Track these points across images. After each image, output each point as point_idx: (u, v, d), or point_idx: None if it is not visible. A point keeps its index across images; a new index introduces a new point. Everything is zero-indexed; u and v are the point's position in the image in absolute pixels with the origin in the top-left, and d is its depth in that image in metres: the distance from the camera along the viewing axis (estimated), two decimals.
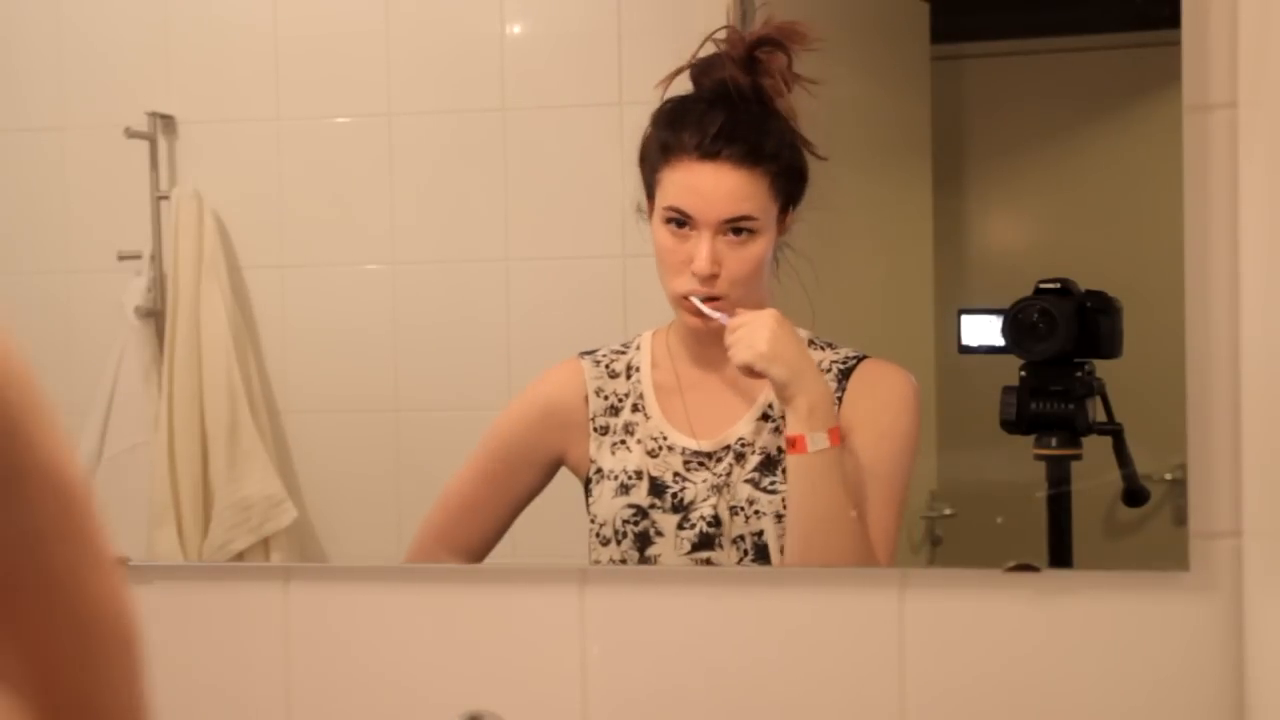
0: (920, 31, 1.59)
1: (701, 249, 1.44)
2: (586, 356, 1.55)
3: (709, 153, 1.43)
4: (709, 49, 1.48)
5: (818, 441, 1.42)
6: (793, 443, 1.43)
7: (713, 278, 1.44)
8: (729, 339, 1.43)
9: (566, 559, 1.54)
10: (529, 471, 1.55)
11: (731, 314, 1.44)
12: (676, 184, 1.45)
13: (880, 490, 1.46)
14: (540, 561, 1.57)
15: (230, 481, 1.68)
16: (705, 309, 1.45)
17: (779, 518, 1.46)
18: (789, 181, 1.47)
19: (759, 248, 1.45)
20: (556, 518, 1.57)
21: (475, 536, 1.57)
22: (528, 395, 1.58)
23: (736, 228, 1.44)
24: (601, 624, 1.50)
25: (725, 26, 1.47)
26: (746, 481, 1.47)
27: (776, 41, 1.45)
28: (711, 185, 1.44)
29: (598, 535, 1.51)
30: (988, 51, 1.63)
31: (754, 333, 1.42)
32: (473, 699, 1.48)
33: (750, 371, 1.43)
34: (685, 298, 1.46)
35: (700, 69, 1.47)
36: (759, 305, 1.47)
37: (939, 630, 1.44)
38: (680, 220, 1.45)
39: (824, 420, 1.43)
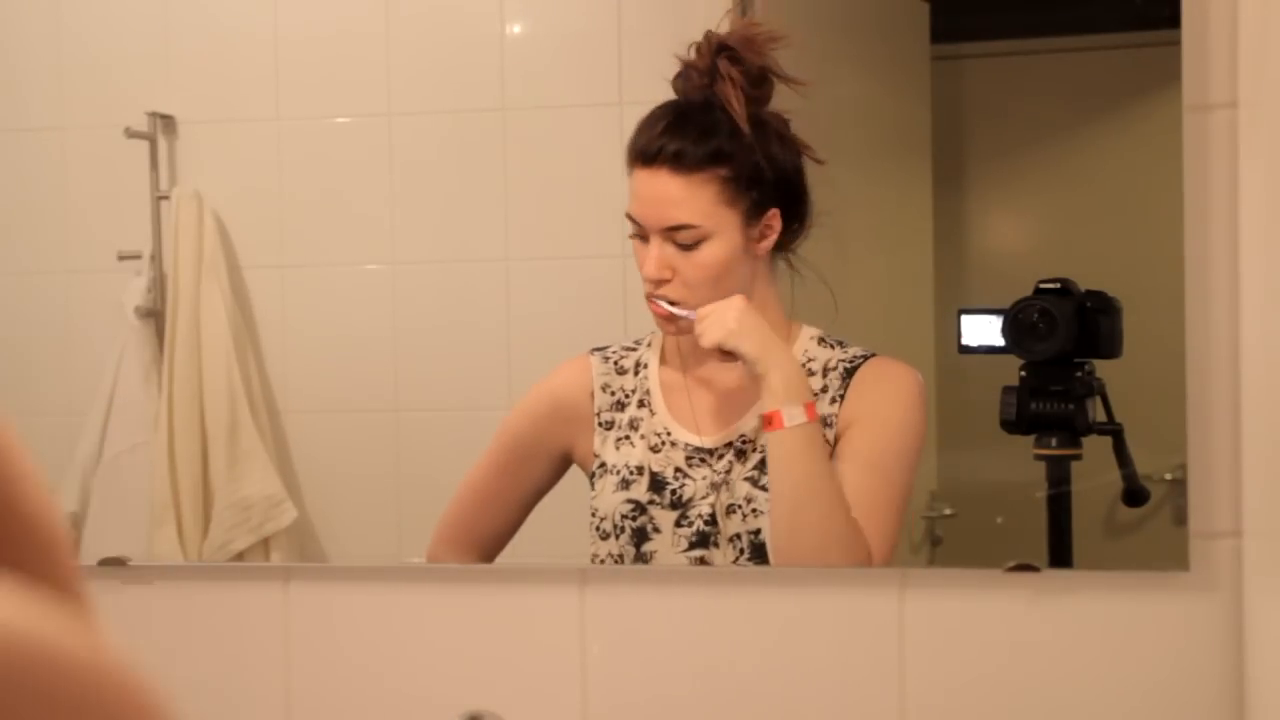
0: (920, 31, 1.59)
1: (650, 253, 1.46)
2: (597, 353, 1.56)
3: (647, 159, 1.45)
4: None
5: (794, 416, 1.42)
6: (769, 419, 1.43)
7: (663, 282, 1.46)
8: (698, 327, 1.45)
9: (568, 559, 1.54)
10: (538, 465, 1.56)
11: (690, 314, 1.46)
12: (631, 191, 1.48)
13: (878, 482, 1.46)
14: (540, 561, 1.57)
15: (230, 481, 1.68)
16: (675, 310, 1.46)
17: None
18: (756, 185, 1.46)
19: (712, 253, 1.45)
20: (558, 516, 1.57)
21: (489, 530, 1.58)
22: (537, 390, 1.59)
23: (681, 236, 1.45)
24: (601, 624, 1.50)
25: (708, 32, 1.47)
26: (746, 479, 1.48)
27: (732, 48, 1.45)
28: (648, 192, 1.46)
29: (598, 529, 1.52)
30: (988, 51, 1.64)
31: (722, 314, 1.43)
32: (473, 699, 1.48)
33: (722, 351, 1.44)
34: (651, 300, 1.47)
35: (675, 77, 1.48)
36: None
37: (939, 630, 1.44)
38: (634, 227, 1.48)
39: (799, 395, 1.43)
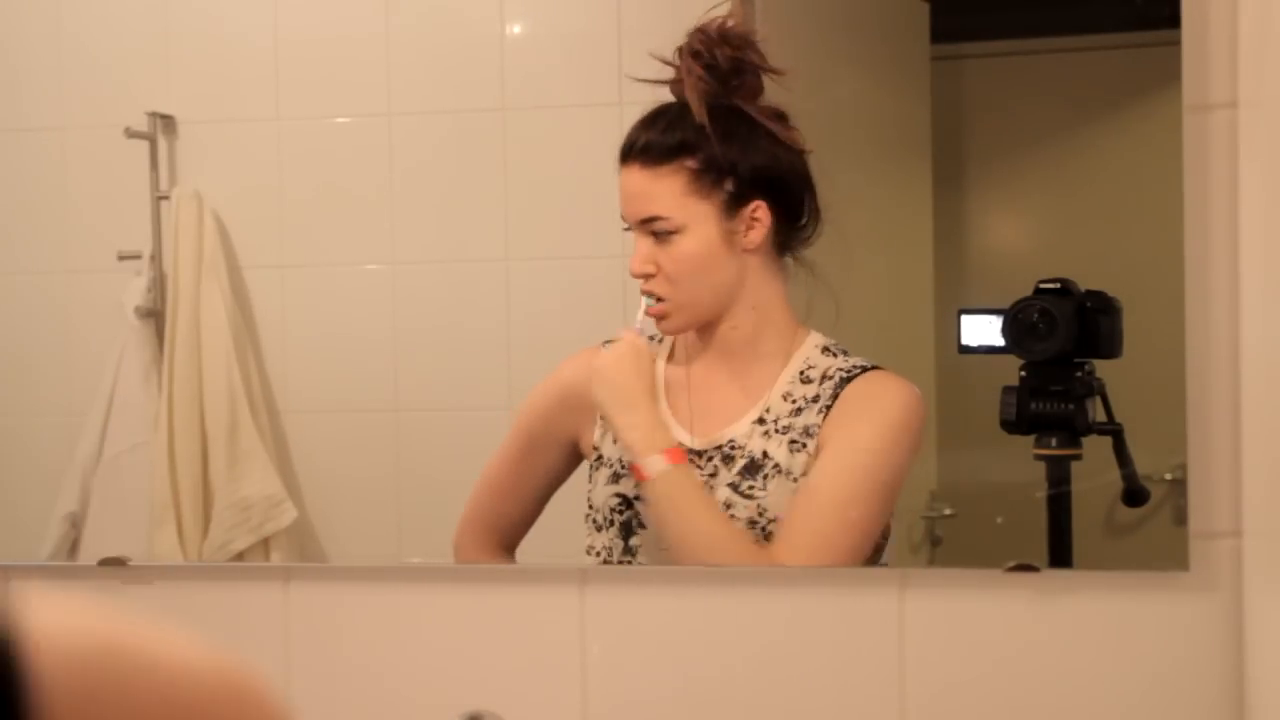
0: (920, 31, 1.59)
1: (637, 249, 1.48)
2: (608, 345, 1.56)
3: (624, 157, 1.49)
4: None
5: (655, 464, 1.45)
6: (634, 471, 1.47)
7: (648, 277, 1.48)
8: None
9: (568, 559, 1.54)
10: (550, 454, 1.57)
11: (638, 325, 1.49)
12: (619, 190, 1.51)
13: (827, 499, 1.46)
14: (540, 561, 1.57)
15: (230, 481, 1.68)
16: (641, 313, 1.49)
17: (752, 523, 1.46)
18: (728, 177, 1.46)
19: (688, 246, 1.47)
20: (560, 516, 1.57)
21: (507, 520, 1.60)
22: (549, 380, 1.60)
23: (655, 227, 1.47)
24: (601, 624, 1.50)
25: (693, 31, 1.47)
26: (728, 485, 1.47)
27: (696, 45, 1.46)
28: (625, 188, 1.49)
29: (593, 521, 1.52)
30: (988, 51, 1.64)
31: (609, 352, 1.49)
32: (473, 699, 1.48)
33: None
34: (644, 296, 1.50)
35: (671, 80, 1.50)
36: (710, 308, 1.49)
37: (939, 630, 1.44)
38: (624, 224, 1.50)
39: (655, 443, 1.46)
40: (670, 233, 1.47)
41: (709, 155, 1.46)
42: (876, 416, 1.48)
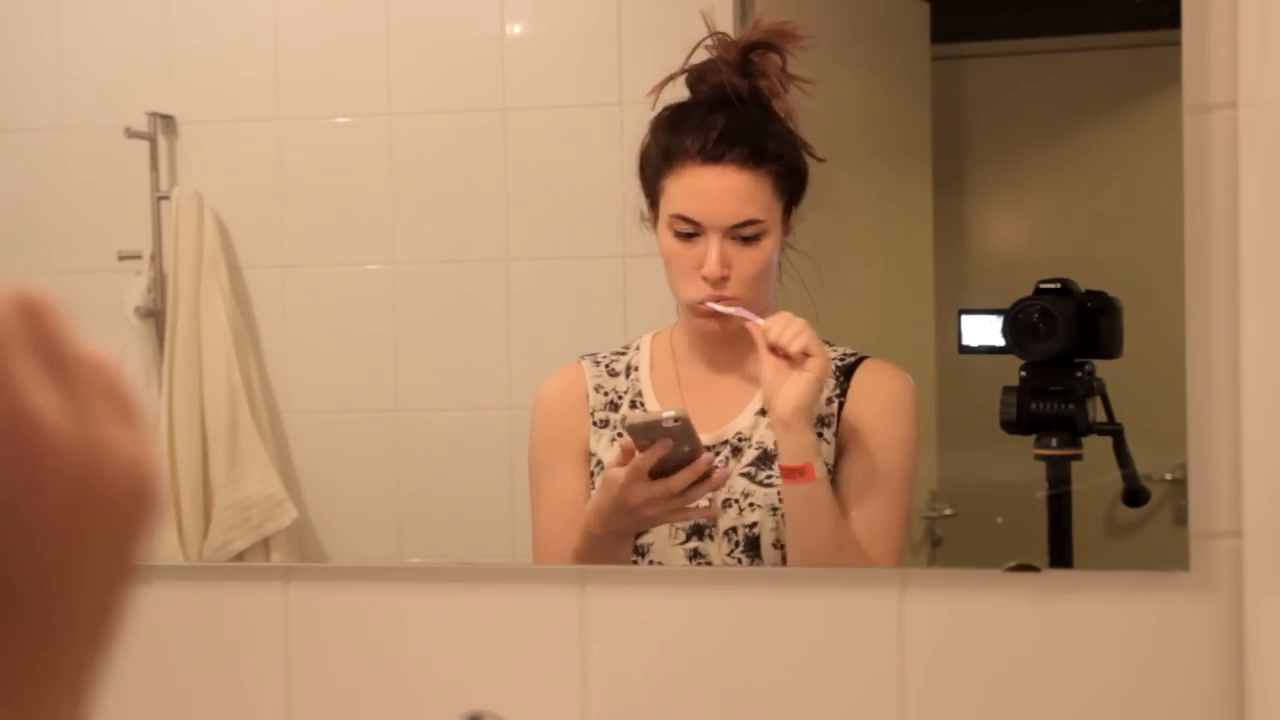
0: (920, 31, 1.59)
1: (711, 253, 1.44)
2: (587, 358, 1.56)
3: (712, 156, 1.44)
4: (701, 55, 1.48)
5: (820, 467, 1.44)
6: (801, 471, 1.43)
7: (723, 280, 1.45)
8: (778, 323, 1.42)
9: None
10: (579, 466, 1.54)
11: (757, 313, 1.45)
12: (681, 190, 1.46)
13: (883, 496, 1.47)
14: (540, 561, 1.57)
15: (230, 482, 1.68)
16: (724, 309, 1.45)
17: (774, 510, 1.47)
18: (791, 181, 1.47)
19: (767, 248, 1.46)
20: None
21: None
22: (539, 404, 1.57)
23: (746, 231, 1.44)
24: (601, 624, 1.50)
25: (716, 33, 1.47)
26: (742, 475, 1.48)
27: (769, 44, 1.46)
28: (716, 189, 1.45)
29: None
30: (988, 51, 1.64)
31: (812, 332, 1.42)
32: (473, 699, 1.48)
33: (804, 353, 1.41)
34: (700, 303, 1.46)
35: (696, 76, 1.48)
36: (765, 306, 1.48)
37: (939, 630, 1.44)
38: (688, 226, 1.45)
39: (818, 449, 1.44)
40: (758, 235, 1.45)
41: (788, 158, 1.46)
42: (897, 410, 1.50)
